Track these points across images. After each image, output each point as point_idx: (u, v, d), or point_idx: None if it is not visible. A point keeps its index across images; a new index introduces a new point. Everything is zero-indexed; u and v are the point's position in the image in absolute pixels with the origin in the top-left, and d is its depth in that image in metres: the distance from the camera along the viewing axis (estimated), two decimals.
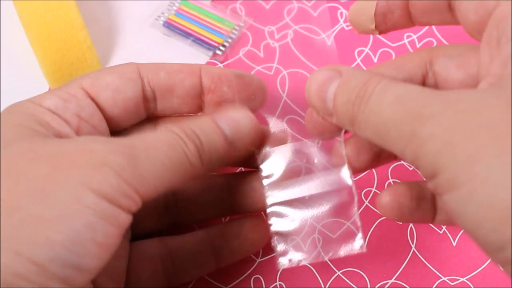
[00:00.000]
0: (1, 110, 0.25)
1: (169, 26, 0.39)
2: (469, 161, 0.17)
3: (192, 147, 0.24)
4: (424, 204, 0.25)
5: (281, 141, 0.28)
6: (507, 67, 0.20)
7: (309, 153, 0.27)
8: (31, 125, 0.24)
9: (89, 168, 0.21)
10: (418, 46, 0.39)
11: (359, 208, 0.28)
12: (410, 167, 0.34)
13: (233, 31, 0.39)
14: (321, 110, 0.24)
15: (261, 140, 0.27)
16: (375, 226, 0.33)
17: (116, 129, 0.28)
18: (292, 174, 0.27)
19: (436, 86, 0.25)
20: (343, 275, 0.32)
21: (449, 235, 0.33)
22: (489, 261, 0.32)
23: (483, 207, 0.17)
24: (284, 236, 0.26)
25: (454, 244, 0.32)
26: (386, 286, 0.31)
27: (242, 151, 0.26)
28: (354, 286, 0.31)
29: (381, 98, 0.21)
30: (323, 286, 0.31)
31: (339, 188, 0.26)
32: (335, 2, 0.41)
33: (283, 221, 0.26)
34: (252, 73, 0.36)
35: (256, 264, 0.32)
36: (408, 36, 0.39)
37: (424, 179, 0.25)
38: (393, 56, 0.39)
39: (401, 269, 0.32)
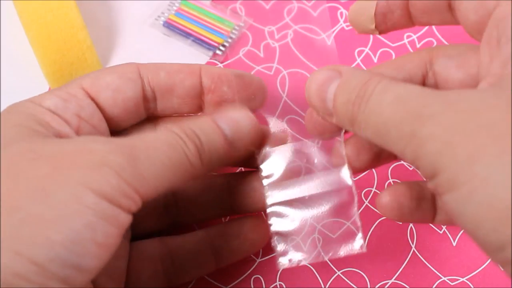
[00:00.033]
0: (1, 110, 0.25)
1: (169, 26, 0.39)
2: (469, 161, 0.17)
3: (192, 147, 0.24)
4: (424, 204, 0.25)
5: (281, 141, 0.28)
6: (507, 67, 0.20)
7: (309, 153, 0.27)
8: (31, 125, 0.24)
9: (89, 168, 0.21)
10: (418, 46, 0.39)
11: (359, 208, 0.28)
12: (410, 167, 0.34)
13: (233, 31, 0.39)
14: (321, 110, 0.24)
15: (261, 140, 0.27)
16: (375, 226, 0.33)
17: (116, 129, 0.28)
18: (292, 174, 0.27)
19: (436, 86, 0.25)
20: (343, 275, 0.32)
21: (449, 235, 0.33)
22: (489, 261, 0.32)
23: (483, 207, 0.17)
24: (284, 236, 0.26)
25: (454, 244, 0.32)
26: (386, 286, 0.31)
27: (242, 151, 0.26)
28: (354, 286, 0.31)
29: (381, 98, 0.21)
30: (323, 286, 0.31)
31: (339, 188, 0.26)
32: (335, 2, 0.41)
33: (283, 221, 0.26)
34: (252, 73, 0.36)
35: (256, 264, 0.32)
36: (408, 36, 0.39)
37: (424, 179, 0.25)
38: (393, 56, 0.39)
39: (401, 269, 0.32)
